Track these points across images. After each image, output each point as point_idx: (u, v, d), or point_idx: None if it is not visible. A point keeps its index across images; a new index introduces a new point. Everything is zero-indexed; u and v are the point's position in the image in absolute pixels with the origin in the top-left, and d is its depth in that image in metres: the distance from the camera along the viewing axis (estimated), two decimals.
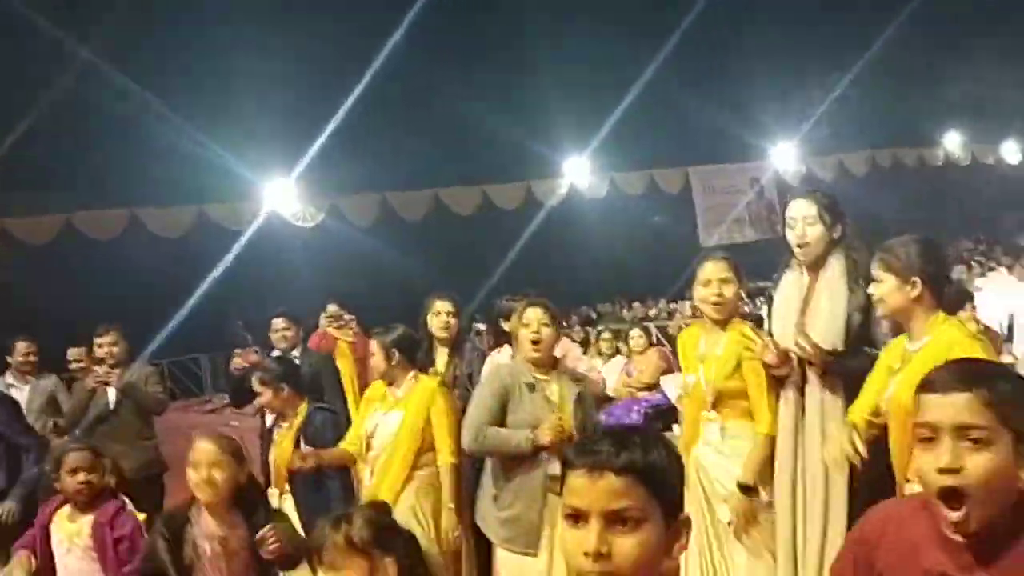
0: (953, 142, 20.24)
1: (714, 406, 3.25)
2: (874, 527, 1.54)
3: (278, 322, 5.32)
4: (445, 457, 3.60)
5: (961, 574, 1.39)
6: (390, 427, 3.64)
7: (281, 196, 13.18)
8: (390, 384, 3.77)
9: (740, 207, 18.37)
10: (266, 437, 4.13)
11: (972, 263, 12.43)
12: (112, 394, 4.90)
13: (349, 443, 3.76)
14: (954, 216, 21.48)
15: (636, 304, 14.72)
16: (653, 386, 6.01)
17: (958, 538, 1.39)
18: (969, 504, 1.35)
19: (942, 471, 1.35)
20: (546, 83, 15.60)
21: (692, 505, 3.30)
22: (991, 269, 12.27)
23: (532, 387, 3.37)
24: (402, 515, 3.50)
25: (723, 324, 3.33)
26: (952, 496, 1.36)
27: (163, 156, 12.65)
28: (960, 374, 1.41)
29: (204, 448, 2.69)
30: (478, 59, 15.75)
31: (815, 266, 3.20)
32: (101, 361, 4.95)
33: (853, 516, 2.72)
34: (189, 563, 2.66)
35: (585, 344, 8.52)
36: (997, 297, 8.02)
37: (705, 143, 17.24)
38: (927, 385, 1.43)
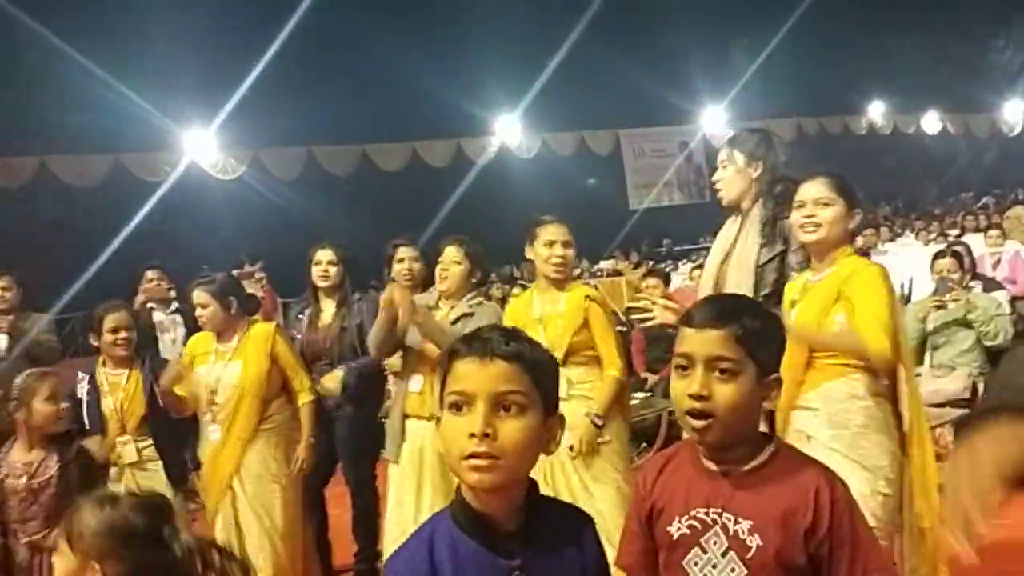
0: (876, 111, 20.74)
1: (563, 362, 3.31)
2: (646, 475, 1.63)
3: (150, 274, 5.21)
4: (304, 396, 3.66)
5: (718, 504, 1.49)
6: (232, 378, 3.57)
7: (201, 147, 12.84)
8: (220, 334, 3.66)
9: (669, 171, 18.57)
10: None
11: (881, 228, 12.79)
12: (3, 340, 4.77)
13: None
14: (876, 184, 22.11)
15: None
16: None
17: (712, 466, 1.52)
18: (715, 424, 1.47)
19: (692, 396, 1.47)
20: (478, 41, 15.45)
21: None
22: (899, 235, 12.69)
23: (432, 308, 3.54)
24: (255, 465, 3.54)
25: (560, 285, 3.45)
26: (699, 416, 1.48)
27: (77, 104, 12.20)
28: (715, 311, 1.52)
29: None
30: (410, 14, 15.49)
31: (743, 215, 3.22)
32: None
33: None
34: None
35: (504, 302, 8.54)
36: (901, 261, 8.31)
37: (635, 106, 17.34)
38: (687, 319, 1.54)
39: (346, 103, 14.48)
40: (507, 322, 3.55)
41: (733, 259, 3.17)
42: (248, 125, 13.08)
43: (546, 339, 3.31)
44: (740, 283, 3.10)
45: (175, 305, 5.55)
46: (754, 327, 1.49)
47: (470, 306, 3.57)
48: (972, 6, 18.73)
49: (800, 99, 19.09)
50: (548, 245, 3.40)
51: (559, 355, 3.30)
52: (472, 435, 1.27)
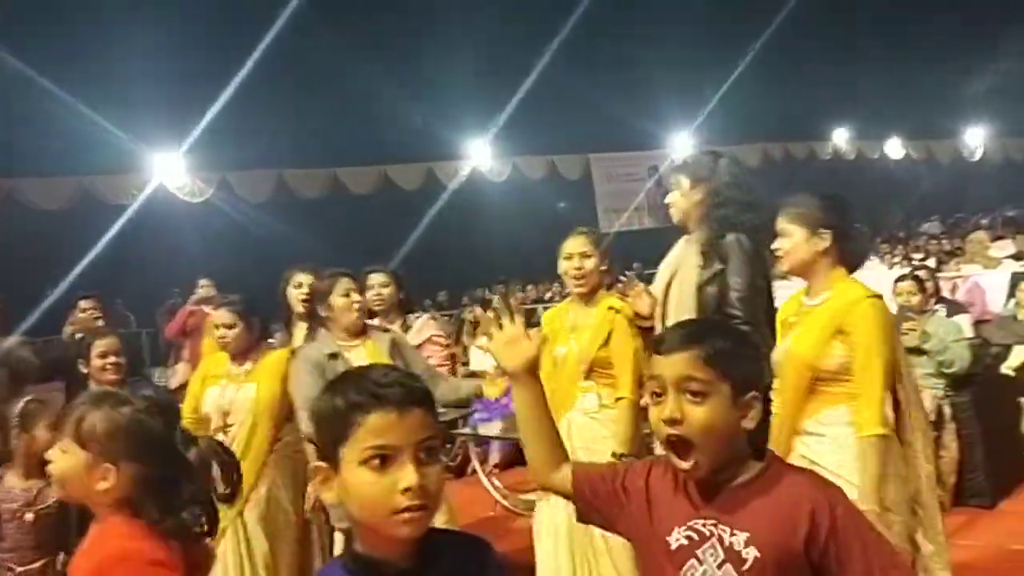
0: (841, 137, 21.10)
1: (587, 376, 3.34)
2: (644, 467, 1.63)
3: (84, 303, 5.17)
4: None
5: (713, 515, 1.49)
6: (246, 401, 3.56)
7: (169, 169, 12.73)
8: (235, 356, 3.65)
9: (639, 195, 18.74)
10: None
11: None
12: None
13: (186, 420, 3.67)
14: None
15: (530, 287, 14.86)
16: None
17: (692, 487, 1.52)
18: (695, 453, 1.46)
19: (666, 421, 1.47)
20: (450, 65, 15.50)
21: None
22: (870, 258, 12.87)
23: (334, 356, 3.47)
24: (263, 489, 3.51)
25: (588, 298, 3.46)
26: (679, 445, 1.47)
27: (43, 127, 12.04)
28: (682, 334, 1.53)
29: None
30: (382, 37, 15.52)
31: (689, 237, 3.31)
32: None
33: None
34: None
35: (476, 326, 8.55)
36: (867, 283, 8.43)
37: (605, 131, 17.48)
38: (656, 345, 1.54)
39: (316, 126, 14.46)
40: (544, 329, 3.57)
41: (675, 281, 3.26)
42: (217, 148, 12.99)
43: (578, 349, 3.38)
44: (681, 304, 3.19)
45: None
46: (723, 346, 1.49)
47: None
48: (933, 36, 19.18)
49: (767, 125, 19.37)
50: (567, 258, 3.44)
51: (583, 368, 3.33)
52: (407, 489, 1.24)
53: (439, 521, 3.48)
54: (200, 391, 3.65)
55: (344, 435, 1.26)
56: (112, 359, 3.69)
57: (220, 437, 3.54)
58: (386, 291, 4.12)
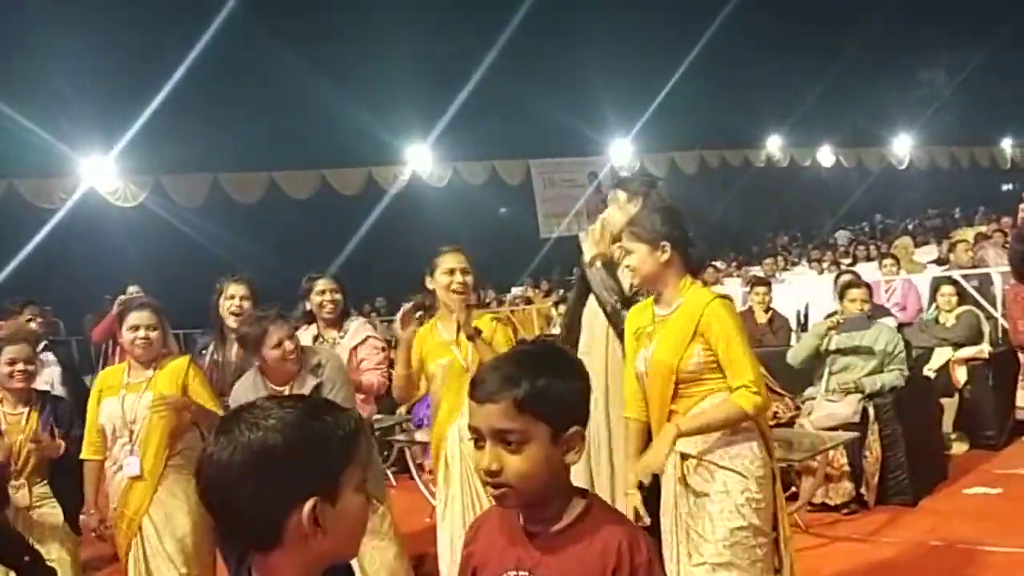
0: (775, 145, 21.59)
1: None
2: (469, 533, 1.63)
3: (29, 310, 5.03)
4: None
5: (527, 566, 1.47)
6: (146, 410, 3.45)
7: (99, 173, 12.43)
8: (144, 362, 3.53)
9: (579, 201, 18.90)
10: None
11: (779, 257, 13.28)
12: None
13: (90, 441, 3.55)
14: (775, 214, 22.98)
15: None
16: None
17: (524, 525, 1.49)
18: (517, 497, 1.45)
19: (486, 472, 1.44)
20: (390, 69, 15.47)
21: (463, 470, 3.45)
22: (801, 264, 13.20)
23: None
24: (165, 503, 3.43)
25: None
26: (501, 494, 1.45)
27: None
28: (492, 382, 1.44)
29: None
30: (320, 40, 15.41)
31: None
32: None
33: None
34: None
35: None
36: (797, 289, 8.67)
37: (545, 137, 17.63)
38: (471, 390, 1.47)
39: (253, 129, 14.27)
40: (416, 349, 3.56)
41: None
42: (149, 151, 12.74)
43: (460, 357, 3.42)
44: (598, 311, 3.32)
45: (44, 343, 5.12)
46: (537, 388, 1.42)
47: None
48: (863, 48, 19.78)
49: (703, 133, 19.74)
50: (448, 273, 3.45)
51: (471, 371, 3.35)
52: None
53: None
54: (96, 404, 3.53)
55: (349, 459, 1.23)
56: (20, 366, 3.62)
57: (127, 446, 3.45)
58: (338, 296, 4.07)
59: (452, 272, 3.44)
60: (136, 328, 3.46)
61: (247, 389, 3.35)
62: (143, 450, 3.43)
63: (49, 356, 5.16)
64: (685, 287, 2.81)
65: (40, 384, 4.95)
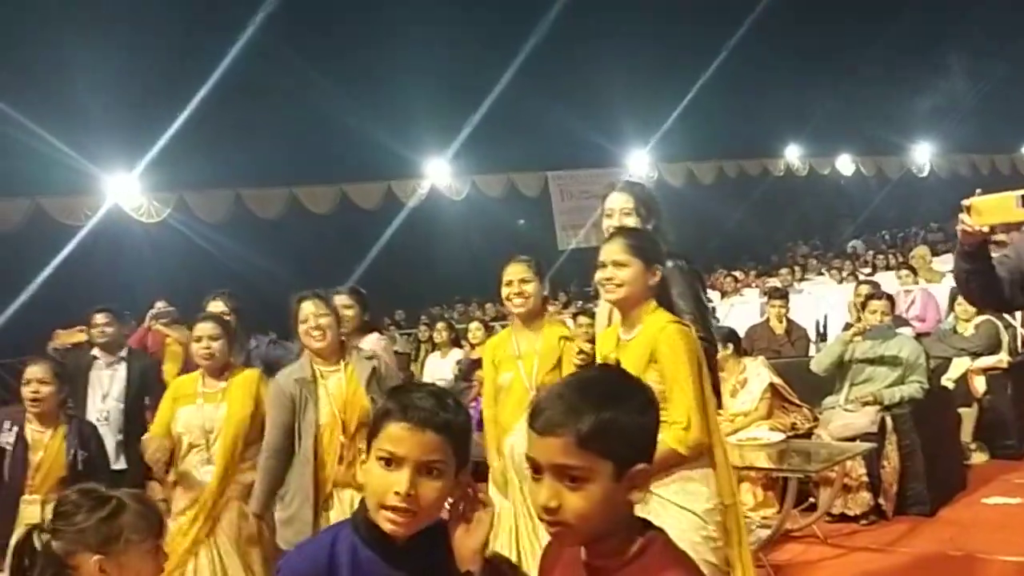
0: (793, 154, 21.52)
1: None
2: (540, 560, 1.59)
3: (99, 317, 5.11)
4: None
5: None
6: (219, 420, 3.59)
7: (124, 190, 12.63)
8: (212, 372, 3.67)
9: (596, 212, 18.89)
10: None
11: (796, 267, 13.24)
12: None
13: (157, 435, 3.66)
14: (794, 223, 22.90)
15: (489, 305, 14.93)
16: None
17: (586, 558, 1.42)
18: (576, 536, 1.39)
19: (544, 508, 1.35)
20: (408, 83, 15.59)
21: (510, 487, 3.50)
22: (820, 274, 13.15)
23: (310, 381, 3.46)
24: (236, 507, 3.54)
25: (530, 323, 3.56)
26: (559, 532, 1.38)
27: None
28: (555, 413, 1.34)
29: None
30: (340, 56, 15.57)
31: None
32: None
33: None
34: None
35: (433, 344, 8.57)
36: (815, 299, 8.66)
37: (563, 149, 17.67)
38: (531, 418, 1.39)
39: (274, 145, 14.45)
40: (487, 356, 3.69)
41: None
42: (173, 168, 12.93)
43: (525, 374, 3.47)
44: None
45: (121, 353, 5.18)
46: (601, 422, 1.32)
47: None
48: (882, 57, 19.73)
49: (721, 143, 19.71)
50: (507, 284, 3.53)
51: (532, 394, 3.37)
52: (397, 492, 1.46)
53: None
54: (171, 412, 3.65)
55: (375, 431, 1.52)
56: (34, 387, 3.72)
57: (203, 454, 3.59)
58: (350, 312, 4.14)
59: (510, 283, 3.53)
60: (199, 339, 3.65)
61: (288, 371, 3.51)
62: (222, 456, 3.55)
63: (120, 369, 5.09)
64: (648, 310, 2.73)
65: (98, 398, 5.00)
